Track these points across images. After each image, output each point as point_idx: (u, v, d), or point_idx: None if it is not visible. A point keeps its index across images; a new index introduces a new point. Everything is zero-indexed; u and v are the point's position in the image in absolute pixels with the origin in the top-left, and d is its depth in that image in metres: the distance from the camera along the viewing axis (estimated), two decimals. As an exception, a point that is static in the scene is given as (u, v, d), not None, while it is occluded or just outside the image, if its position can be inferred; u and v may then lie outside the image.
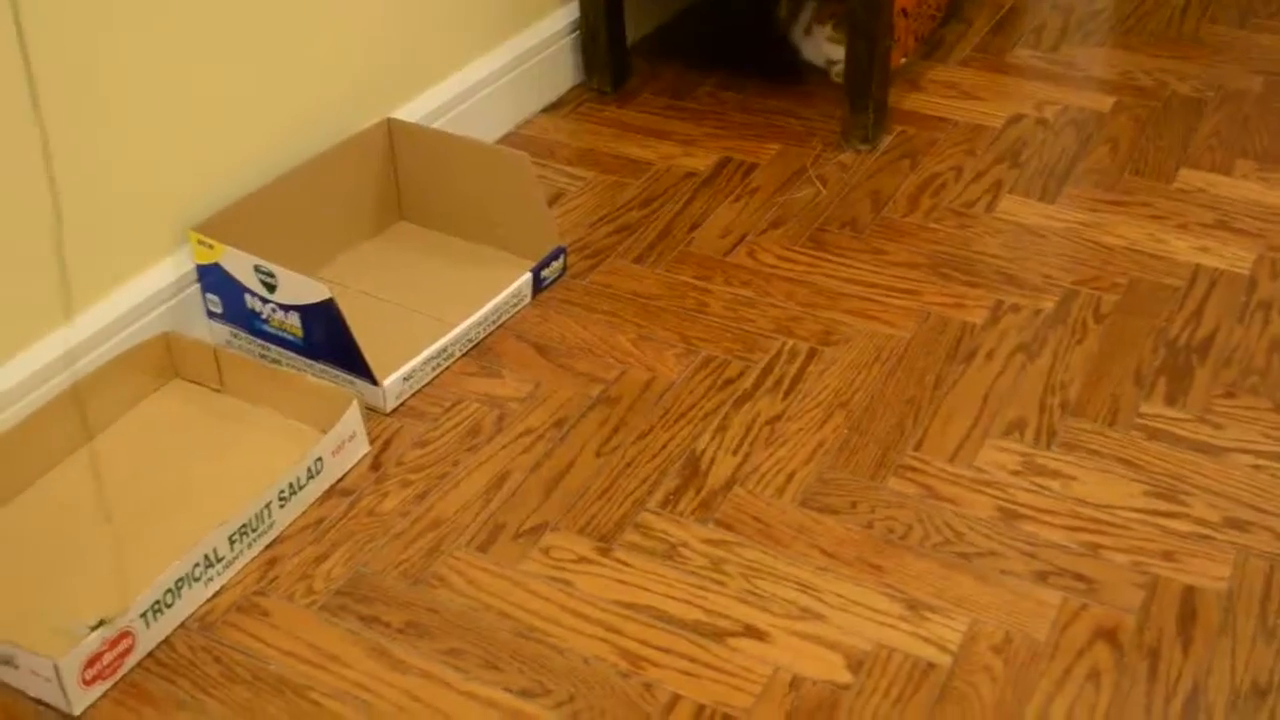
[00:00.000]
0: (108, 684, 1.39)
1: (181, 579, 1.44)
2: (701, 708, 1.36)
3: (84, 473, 1.65)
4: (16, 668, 1.38)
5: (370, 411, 1.72)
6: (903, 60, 2.44)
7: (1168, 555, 1.50)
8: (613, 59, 2.45)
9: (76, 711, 1.38)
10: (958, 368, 1.78)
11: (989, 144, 2.27)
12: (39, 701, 1.39)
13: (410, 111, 2.12)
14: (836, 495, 1.59)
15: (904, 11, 2.36)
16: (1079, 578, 1.48)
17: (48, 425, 1.64)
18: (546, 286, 1.95)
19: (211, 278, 1.80)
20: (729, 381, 1.77)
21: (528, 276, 1.91)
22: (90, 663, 1.36)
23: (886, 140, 2.28)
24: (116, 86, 1.69)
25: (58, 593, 1.48)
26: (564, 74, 2.46)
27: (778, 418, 1.71)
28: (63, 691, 1.36)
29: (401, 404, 1.75)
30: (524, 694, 1.38)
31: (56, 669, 1.34)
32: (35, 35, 1.58)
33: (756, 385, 1.76)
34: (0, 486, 1.60)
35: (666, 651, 1.42)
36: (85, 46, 1.64)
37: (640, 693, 1.37)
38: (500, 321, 1.88)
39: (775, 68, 2.51)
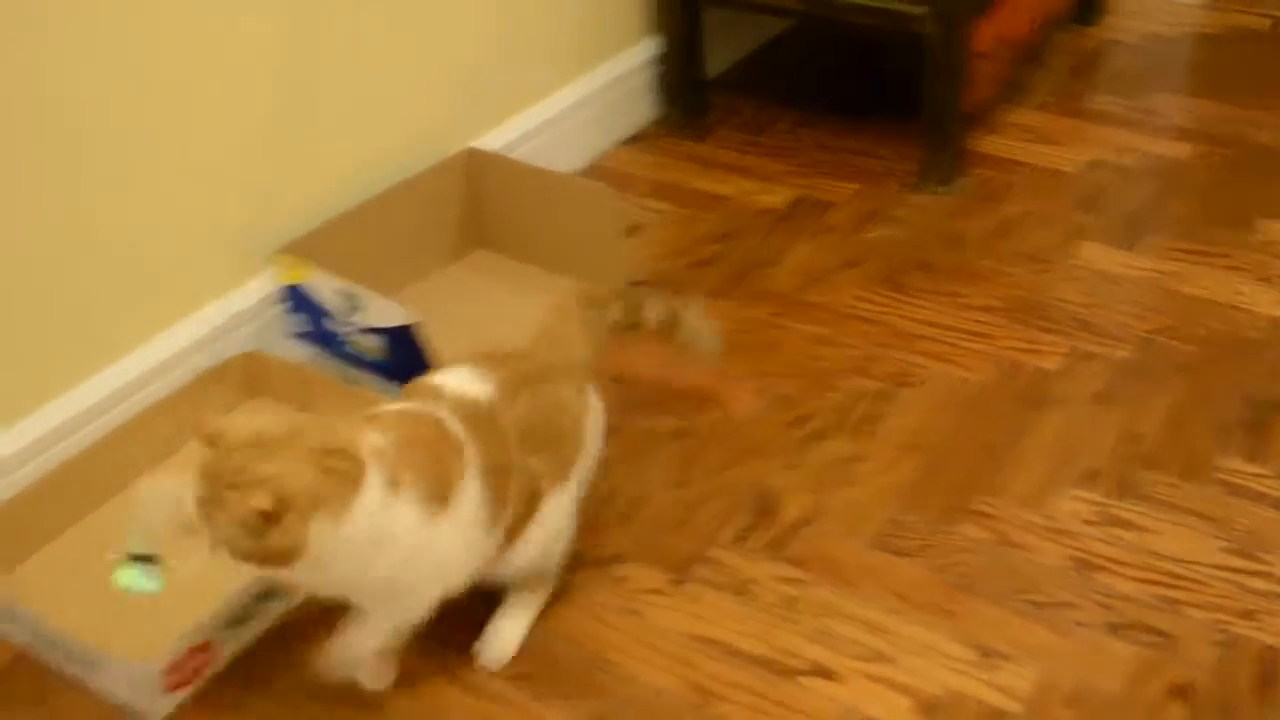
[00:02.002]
0: (189, 691, 1.42)
1: (263, 591, 1.46)
2: (770, 745, 1.37)
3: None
4: (99, 671, 1.41)
5: (447, 436, 1.74)
6: (980, 103, 2.44)
7: (1246, 614, 1.49)
8: (692, 93, 2.47)
9: (158, 718, 1.40)
10: (1032, 414, 1.78)
11: (1066, 189, 2.26)
12: (121, 706, 1.42)
13: (491, 141, 2.15)
14: (909, 538, 1.60)
15: (982, 54, 2.37)
16: (1154, 632, 1.47)
17: (133, 438, 1.68)
18: (625, 317, 1.96)
19: (297, 298, 1.83)
20: (803, 420, 1.78)
21: (608, 307, 1.92)
22: (172, 669, 1.39)
23: (963, 183, 2.29)
24: (211, 108, 1.73)
25: (141, 601, 1.51)
26: (643, 107, 2.48)
27: (851, 458, 1.72)
28: (146, 698, 1.38)
29: (478, 429, 1.77)
30: (595, 723, 1.39)
31: (141, 674, 1.37)
32: (136, 54, 1.63)
33: (830, 425, 1.77)
34: (88, 495, 1.63)
35: (736, 687, 1.42)
36: (183, 68, 1.68)
37: (710, 727, 1.38)
38: (577, 351, 1.90)
39: (854, 106, 2.52)
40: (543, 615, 1.51)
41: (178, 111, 1.68)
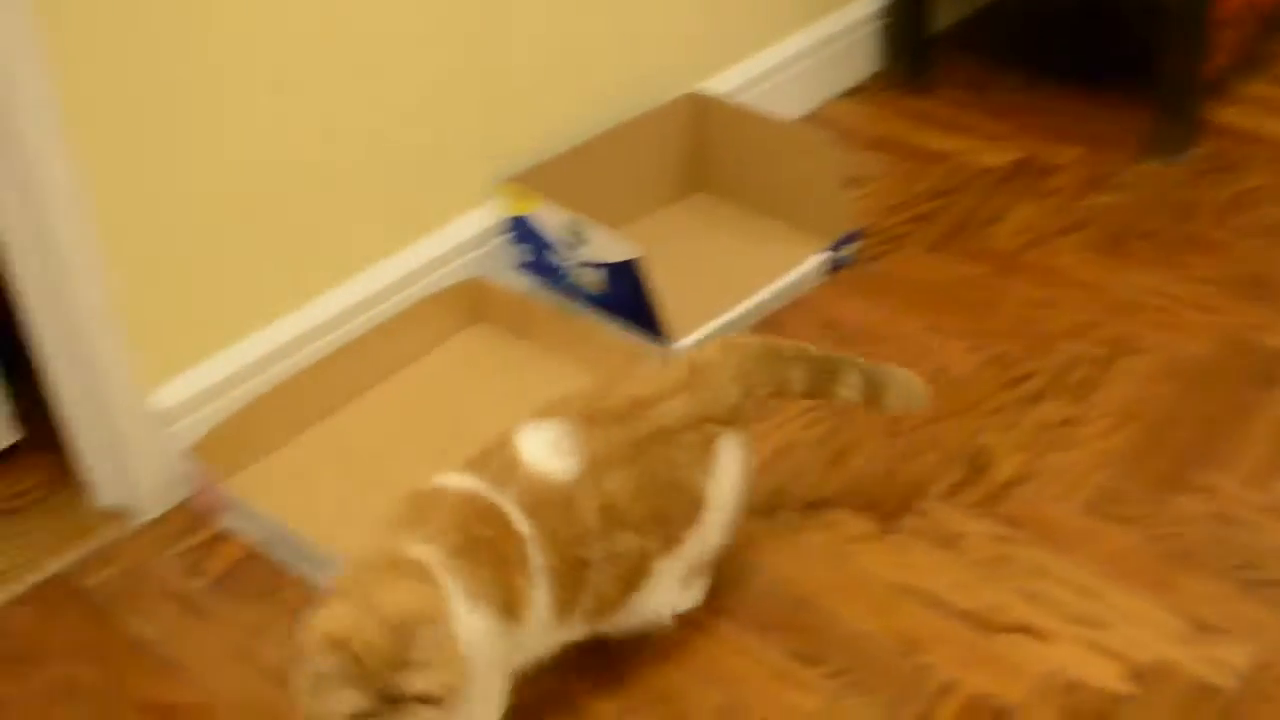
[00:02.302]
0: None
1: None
2: (974, 697, 1.36)
3: (391, 399, 1.75)
4: (326, 570, 1.47)
5: (661, 372, 1.77)
6: (1218, 71, 2.36)
7: None
8: (916, 48, 2.44)
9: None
10: (1259, 393, 1.73)
11: (1307, 165, 2.18)
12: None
13: (713, 86, 2.16)
14: (1125, 506, 1.57)
15: (1225, 21, 2.28)
16: (1381, 618, 1.43)
17: (360, 355, 1.74)
18: (840, 267, 1.96)
19: (521, 229, 1.88)
20: (1019, 380, 1.76)
21: (823, 256, 1.93)
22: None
23: (1196, 153, 2.22)
24: (445, 38, 1.77)
25: (367, 500, 1.58)
26: (865, 60, 2.46)
27: (1068, 421, 1.69)
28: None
29: (692, 368, 1.79)
30: (801, 659, 1.41)
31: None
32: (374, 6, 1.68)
33: (1048, 387, 1.75)
34: (315, 406, 1.71)
35: (942, 638, 1.43)
36: (427, 15, 1.73)
37: (914, 674, 1.39)
38: (793, 297, 1.91)
39: (1082, 68, 2.46)
40: (748, 552, 1.53)
41: (413, 38, 1.74)
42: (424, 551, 1.19)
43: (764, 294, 1.86)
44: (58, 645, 1.48)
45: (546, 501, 1.26)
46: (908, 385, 1.48)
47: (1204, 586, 1.47)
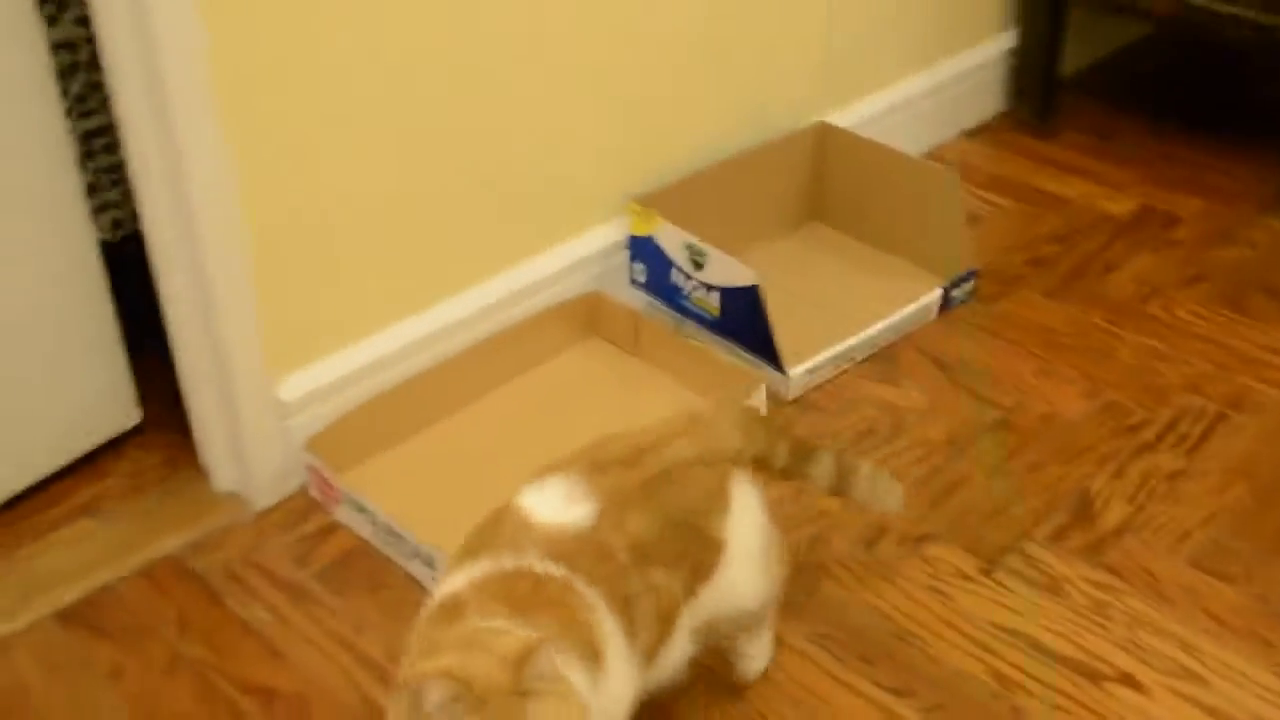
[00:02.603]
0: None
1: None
2: (1069, 744, 1.36)
3: (503, 406, 1.78)
4: (436, 570, 1.51)
5: (770, 399, 1.78)
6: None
7: None
8: (1043, 91, 2.43)
9: (480, 622, 1.49)
10: (1377, 457, 1.70)
11: None
12: (448, 606, 1.51)
13: (838, 120, 2.17)
14: (1233, 563, 1.55)
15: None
16: None
17: (479, 360, 1.78)
18: (954, 306, 1.96)
19: (641, 248, 1.90)
20: (1131, 429, 1.75)
21: (938, 292, 1.93)
22: (500, 580, 1.47)
23: (1324, 212, 2.19)
24: (595, 63, 1.81)
25: (476, 504, 1.61)
26: (991, 100, 2.46)
27: (1178, 474, 1.68)
28: (472, 601, 1.47)
29: (801, 396, 1.80)
30: (894, 692, 1.41)
31: (471, 579, 1.45)
32: (508, 11, 1.72)
33: (1159, 438, 1.73)
34: (432, 407, 1.74)
35: (1039, 681, 1.42)
36: (585, 20, 1.76)
37: (1009, 715, 1.39)
38: (905, 332, 1.91)
39: (1211, 120, 2.43)
40: (848, 583, 1.54)
41: (561, 58, 1.77)
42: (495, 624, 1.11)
43: (877, 327, 1.87)
44: (169, 621, 1.53)
45: (572, 549, 1.19)
46: (880, 483, 1.43)
47: (1310, 651, 1.45)
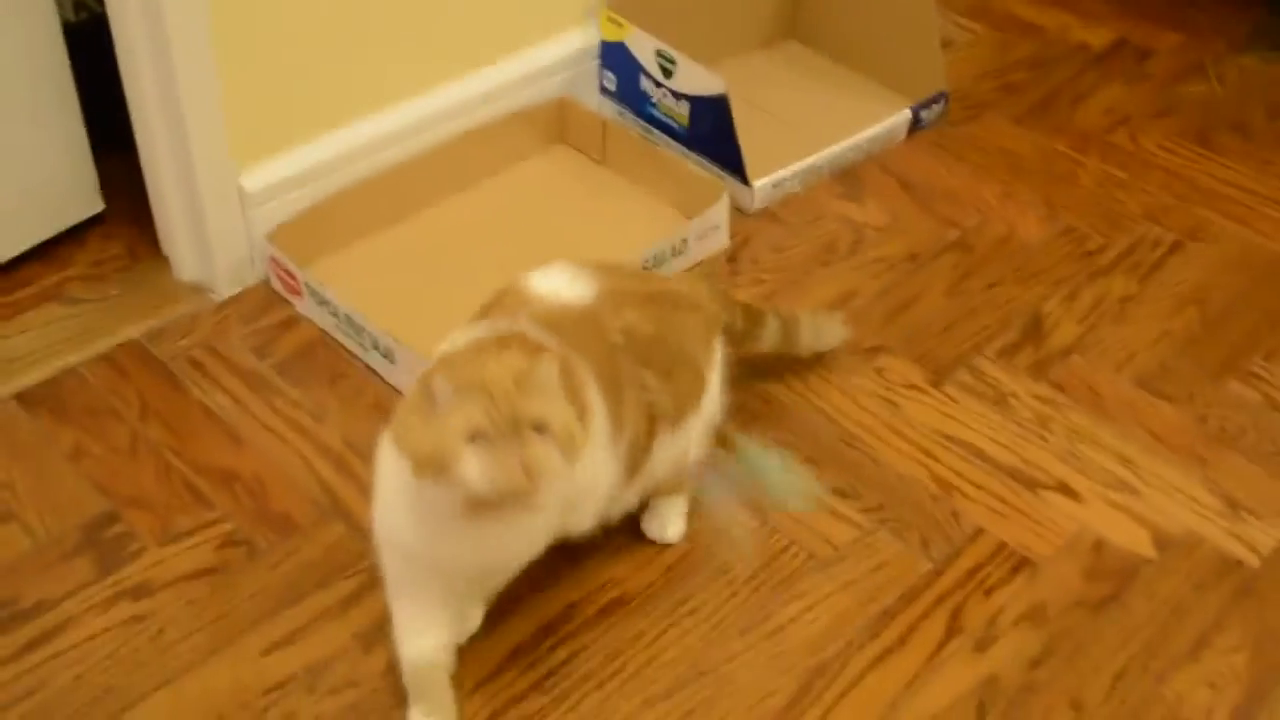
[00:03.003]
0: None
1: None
2: (1003, 545, 1.40)
3: (467, 208, 1.79)
4: (394, 362, 1.53)
5: (734, 210, 1.79)
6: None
7: None
8: (1027, -81, 2.39)
9: (436, 412, 1.52)
10: (1326, 290, 1.73)
11: None
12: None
13: (820, -67, 2.14)
14: (1175, 384, 1.59)
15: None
16: None
17: (443, 160, 1.78)
18: (922, 127, 1.97)
19: (613, 55, 1.89)
20: (1087, 254, 1.77)
21: (907, 113, 1.93)
22: (458, 371, 1.49)
23: (1298, 51, 2.18)
24: None
25: (437, 302, 1.62)
26: (974, -74, 2.42)
27: (1129, 298, 1.70)
28: (429, 392, 1.50)
29: (765, 209, 1.81)
30: (837, 492, 1.45)
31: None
32: None
33: (1114, 263, 1.76)
34: (395, 205, 1.75)
35: (979, 487, 1.46)
36: None
37: (947, 517, 1.43)
38: (871, 152, 1.92)
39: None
40: (800, 389, 1.57)
41: None
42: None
43: (843, 145, 1.87)
44: (130, 405, 1.55)
45: (567, 320, 1.20)
46: (821, 323, 1.52)
47: (1242, 468, 1.49)
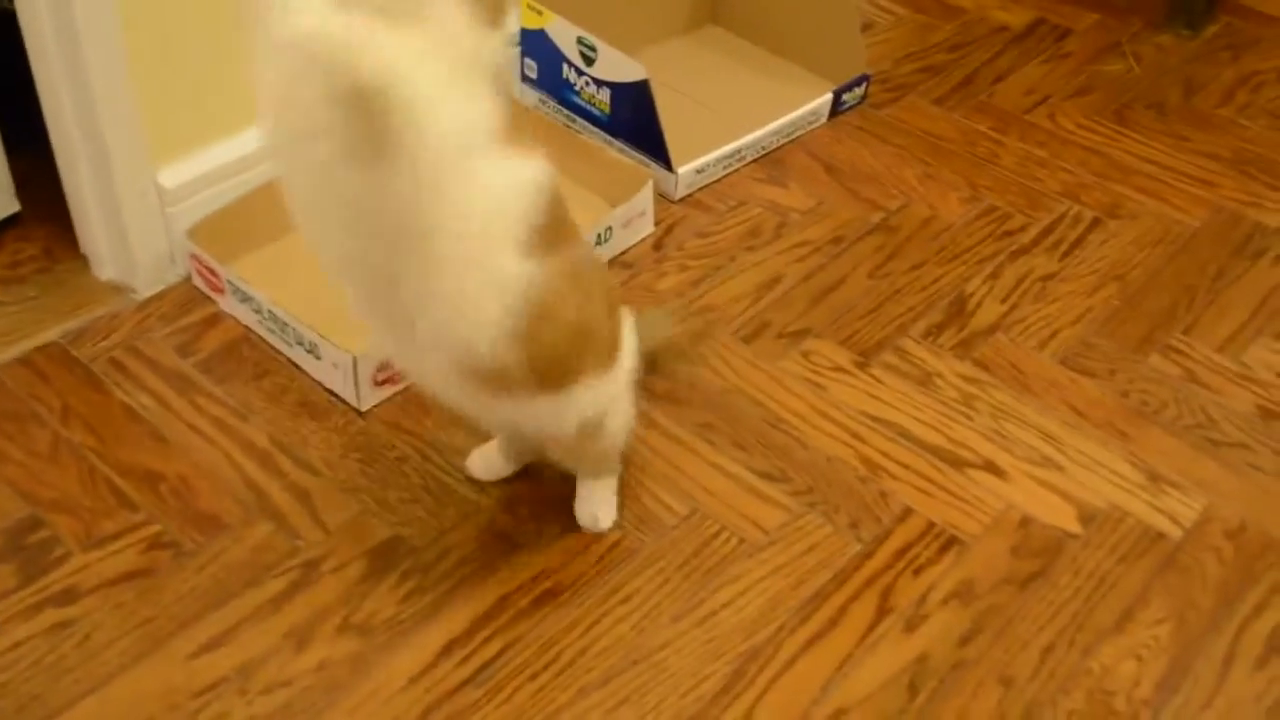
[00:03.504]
0: (396, 389, 1.52)
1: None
2: (931, 525, 1.42)
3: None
4: (319, 358, 1.52)
5: (658, 197, 1.79)
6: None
7: None
8: (944, -99, 2.41)
9: (363, 408, 1.51)
10: (1242, 264, 1.76)
11: (1319, 50, 2.18)
12: (331, 393, 1.53)
13: (740, -82, 2.14)
14: (1097, 360, 1.61)
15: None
16: (1329, 484, 1.48)
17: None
18: (844, 110, 1.98)
19: (533, 43, 1.88)
20: (1009, 233, 1.79)
21: (828, 97, 1.94)
22: (384, 365, 1.49)
23: (1211, 29, 2.22)
24: None
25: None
26: (892, -92, 2.43)
27: (1051, 276, 1.72)
28: (355, 387, 1.49)
29: (689, 195, 1.82)
30: (765, 476, 1.46)
31: (353, 363, 1.47)
32: None
33: (1035, 242, 1.78)
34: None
35: (906, 467, 1.48)
36: None
37: (875, 498, 1.44)
38: (794, 136, 1.92)
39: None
40: (727, 373, 1.57)
41: None
42: None
43: (766, 129, 1.87)
44: (52, 408, 1.52)
45: None
46: (647, 321, 1.39)
47: (1163, 442, 1.52)
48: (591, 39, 1.79)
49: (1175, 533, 1.42)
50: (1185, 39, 2.19)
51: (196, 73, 1.61)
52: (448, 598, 1.33)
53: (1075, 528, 1.42)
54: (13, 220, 1.74)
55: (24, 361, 1.58)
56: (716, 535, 1.40)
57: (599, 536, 1.40)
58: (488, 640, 1.30)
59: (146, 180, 1.61)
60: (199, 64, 1.61)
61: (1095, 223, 1.81)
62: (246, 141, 1.68)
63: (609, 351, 1.28)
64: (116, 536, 1.39)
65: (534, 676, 1.27)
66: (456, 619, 1.32)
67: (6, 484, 1.44)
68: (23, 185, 1.72)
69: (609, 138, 1.84)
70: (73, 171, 1.62)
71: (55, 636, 1.30)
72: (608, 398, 1.30)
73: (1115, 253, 1.77)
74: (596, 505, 1.40)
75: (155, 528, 1.40)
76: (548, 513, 1.41)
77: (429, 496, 1.43)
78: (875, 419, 1.53)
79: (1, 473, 1.45)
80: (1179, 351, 1.63)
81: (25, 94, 1.57)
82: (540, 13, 1.84)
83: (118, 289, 1.67)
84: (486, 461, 1.45)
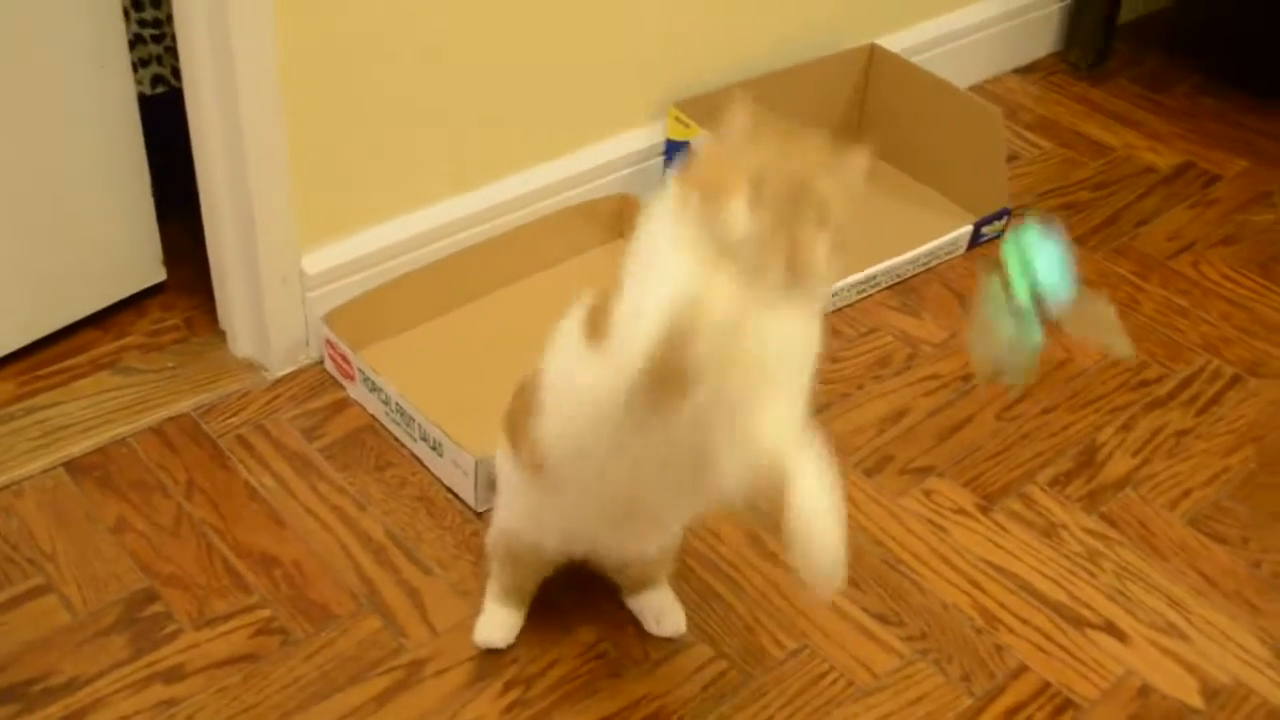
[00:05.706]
0: (513, 494, 1.53)
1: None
2: (1046, 684, 1.38)
3: (524, 299, 1.79)
4: (441, 455, 1.53)
5: (789, 317, 1.78)
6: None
7: None
8: (1098, 35, 2.40)
9: (480, 509, 1.52)
10: (1389, 435, 1.70)
11: None
12: (451, 491, 1.54)
13: (891, 42, 2.15)
14: (1230, 526, 1.56)
15: None
16: None
17: (502, 251, 1.79)
18: (983, 242, 1.96)
19: (674, 153, 1.89)
20: (1144, 384, 1.75)
21: (968, 228, 1.93)
22: (504, 470, 1.49)
23: (1367, 185, 2.17)
24: (643, -42, 1.79)
25: (488, 394, 1.62)
26: (1044, 39, 2.43)
27: (1186, 432, 1.68)
28: (474, 489, 1.50)
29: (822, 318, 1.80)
30: (879, 618, 1.43)
31: (475, 465, 1.48)
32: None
33: (1172, 395, 1.74)
34: (451, 293, 1.75)
35: (1024, 621, 1.44)
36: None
37: (990, 651, 1.41)
38: (930, 265, 1.91)
39: (1263, 81, 2.40)
40: (847, 505, 1.54)
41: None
42: None
43: (903, 257, 1.86)
44: (178, 480, 1.55)
45: None
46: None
47: (1295, 618, 1.46)
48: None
49: (1303, 718, 1.36)
50: (1339, 193, 2.14)
51: (350, 161, 1.65)
52: (549, 713, 1.32)
53: (1197, 701, 1.37)
54: (158, 288, 1.79)
55: (156, 431, 1.61)
56: (825, 675, 1.38)
57: (703, 665, 1.38)
58: (586, 762, 1.29)
59: (290, 264, 1.64)
60: (353, 153, 1.65)
61: (1235, 379, 1.77)
62: (390, 231, 1.72)
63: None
64: (228, 618, 1.40)
65: (629, 805, 1.26)
66: (557, 737, 1.31)
67: (128, 554, 1.46)
68: (170, 254, 1.77)
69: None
70: (220, 248, 1.66)
71: (158, 714, 1.31)
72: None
73: (1255, 413, 1.72)
74: (662, 613, 1.39)
75: (266, 612, 1.41)
76: (651, 636, 1.40)
77: (538, 605, 1.42)
78: (996, 567, 1.50)
79: (124, 541, 1.48)
80: (1317, 523, 1.57)
81: (182, 165, 1.62)
82: (687, 125, 1.86)
83: (251, 366, 1.70)
84: (504, 628, 1.38)
